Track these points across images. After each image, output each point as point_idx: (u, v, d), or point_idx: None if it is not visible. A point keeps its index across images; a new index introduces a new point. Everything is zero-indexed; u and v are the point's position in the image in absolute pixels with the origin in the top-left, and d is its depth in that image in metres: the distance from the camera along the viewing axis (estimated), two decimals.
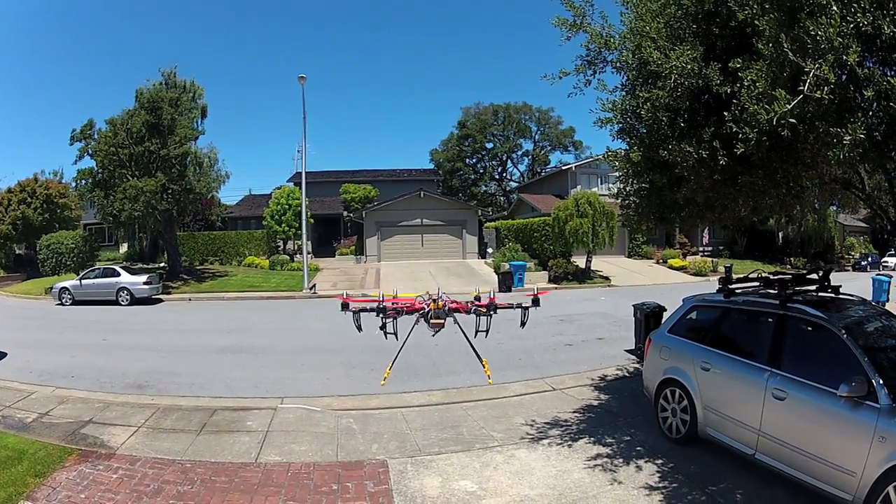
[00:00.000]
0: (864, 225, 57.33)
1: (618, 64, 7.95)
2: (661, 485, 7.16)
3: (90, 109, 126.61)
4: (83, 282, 29.05)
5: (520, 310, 7.66)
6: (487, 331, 7.62)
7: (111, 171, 33.65)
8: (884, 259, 47.99)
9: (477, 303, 7.79)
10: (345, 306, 7.41)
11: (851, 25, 5.01)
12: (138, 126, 32.64)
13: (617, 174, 9.88)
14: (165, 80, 35.29)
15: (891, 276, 24.21)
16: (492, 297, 7.84)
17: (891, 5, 4.99)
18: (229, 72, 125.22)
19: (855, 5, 5.03)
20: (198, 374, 13.24)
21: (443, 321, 7.42)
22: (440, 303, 6.98)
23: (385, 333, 7.68)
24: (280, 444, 8.79)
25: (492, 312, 7.65)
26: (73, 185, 39.77)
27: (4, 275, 41.81)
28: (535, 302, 7.40)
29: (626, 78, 8.11)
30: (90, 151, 33.73)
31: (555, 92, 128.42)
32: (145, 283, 28.77)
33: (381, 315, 7.64)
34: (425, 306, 7.25)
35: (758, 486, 7.02)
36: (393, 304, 7.98)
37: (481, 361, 7.99)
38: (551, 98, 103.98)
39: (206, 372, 13.54)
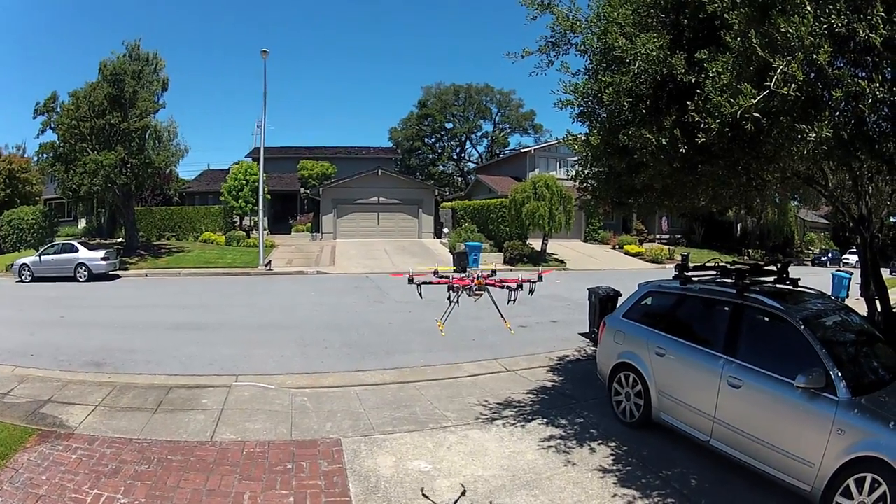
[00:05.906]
0: (825, 221, 58.35)
1: (582, 47, 7.89)
2: (615, 467, 7.24)
3: (55, 84, 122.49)
4: (42, 258, 28.67)
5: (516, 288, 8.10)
6: (515, 300, 7.99)
7: (72, 144, 33.20)
8: (844, 256, 47.70)
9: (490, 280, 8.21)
10: (410, 280, 8.06)
11: (825, 26, 5.03)
12: (100, 99, 32.34)
13: (576, 158, 9.90)
14: (130, 53, 34.83)
15: (851, 273, 24.18)
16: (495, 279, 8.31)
17: (868, 10, 5.01)
18: (189, 38, 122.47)
19: (830, 7, 5.04)
20: (153, 351, 13.07)
21: (481, 293, 8.02)
22: (480, 280, 7.84)
23: (420, 294, 8.00)
24: (235, 422, 8.70)
25: (520, 288, 8.07)
26: (35, 159, 39.37)
27: None
28: (539, 278, 8.07)
29: (589, 62, 8.03)
30: (52, 125, 33.45)
31: (517, 75, 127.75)
32: (103, 259, 28.46)
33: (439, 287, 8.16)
34: (469, 282, 7.98)
35: (713, 472, 7.09)
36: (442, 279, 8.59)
37: (503, 319, 8.45)
38: (513, 81, 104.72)
39: (162, 348, 13.38)
